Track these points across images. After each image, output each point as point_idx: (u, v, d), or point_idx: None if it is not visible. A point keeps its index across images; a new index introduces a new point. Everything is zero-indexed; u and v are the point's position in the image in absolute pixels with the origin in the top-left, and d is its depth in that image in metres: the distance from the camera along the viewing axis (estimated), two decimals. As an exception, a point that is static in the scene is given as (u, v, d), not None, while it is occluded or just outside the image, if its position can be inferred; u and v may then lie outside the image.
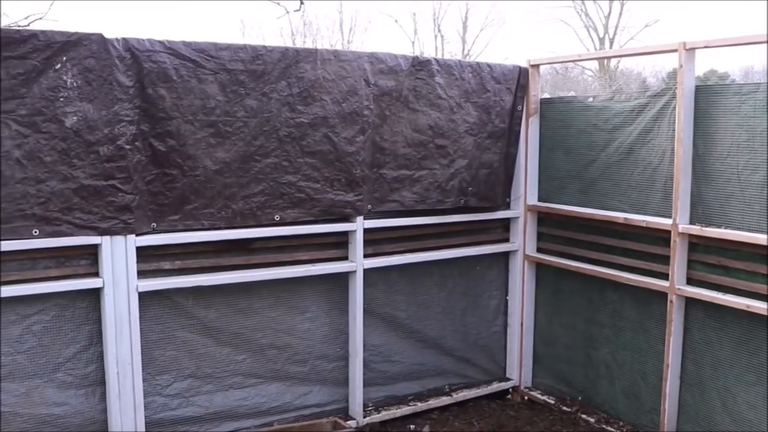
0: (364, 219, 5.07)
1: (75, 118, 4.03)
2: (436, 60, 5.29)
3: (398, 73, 5.08)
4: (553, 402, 5.78)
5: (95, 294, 4.34)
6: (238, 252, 4.77)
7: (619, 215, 5.13)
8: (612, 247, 5.28)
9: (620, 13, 36.15)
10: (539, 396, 5.91)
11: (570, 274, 5.62)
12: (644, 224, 4.94)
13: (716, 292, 4.58)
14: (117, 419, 4.42)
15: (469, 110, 5.41)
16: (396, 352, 5.57)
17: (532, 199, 5.82)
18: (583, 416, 5.50)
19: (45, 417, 4.32)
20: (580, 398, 5.68)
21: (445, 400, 5.71)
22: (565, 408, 5.66)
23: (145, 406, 4.53)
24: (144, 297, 4.45)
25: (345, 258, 5.14)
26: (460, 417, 5.64)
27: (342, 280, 5.19)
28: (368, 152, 5.00)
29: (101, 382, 4.44)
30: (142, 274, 4.40)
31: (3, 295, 4.06)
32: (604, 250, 5.34)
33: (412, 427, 5.43)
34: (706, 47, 4.57)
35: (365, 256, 5.14)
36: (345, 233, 5.09)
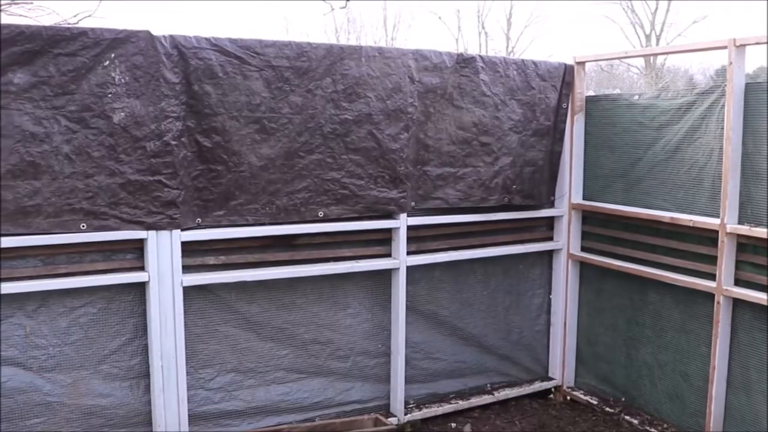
0: (408, 216, 5.06)
1: (123, 114, 4.08)
2: (481, 57, 5.26)
3: (443, 70, 5.06)
4: (595, 402, 5.72)
5: (141, 288, 4.39)
6: (282, 248, 4.80)
7: (665, 214, 5.05)
8: (657, 246, 5.21)
9: (667, 10, 35.68)
10: (582, 396, 5.86)
11: (613, 274, 5.56)
12: (691, 224, 4.86)
13: (765, 293, 4.49)
14: (161, 412, 4.47)
15: (514, 107, 5.38)
16: (438, 349, 5.56)
17: (577, 198, 5.76)
18: (626, 417, 5.43)
19: (91, 408, 4.38)
20: (623, 399, 5.61)
21: (486, 399, 5.69)
22: (607, 409, 5.60)
23: (188, 399, 4.57)
24: (188, 291, 4.49)
25: (388, 255, 5.13)
26: (501, 416, 5.61)
27: (385, 276, 5.19)
28: (412, 149, 4.99)
29: (145, 374, 4.50)
30: (186, 268, 4.44)
31: (52, 288, 4.13)
32: (649, 249, 5.27)
33: (453, 425, 5.42)
34: (757, 44, 4.48)
35: (408, 253, 5.14)
36: (388, 230, 5.09)
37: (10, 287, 4.01)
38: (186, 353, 4.52)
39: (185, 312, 4.48)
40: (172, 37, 4.20)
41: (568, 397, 5.98)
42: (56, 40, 3.90)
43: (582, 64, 5.67)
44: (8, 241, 3.94)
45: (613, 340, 5.65)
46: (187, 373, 4.56)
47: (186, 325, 4.50)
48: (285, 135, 4.56)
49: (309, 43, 4.61)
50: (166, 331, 4.41)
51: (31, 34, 3.84)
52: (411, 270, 5.20)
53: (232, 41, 4.37)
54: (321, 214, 4.76)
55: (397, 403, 5.28)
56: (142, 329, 4.45)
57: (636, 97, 5.42)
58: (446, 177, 5.18)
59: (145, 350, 4.47)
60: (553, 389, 6.06)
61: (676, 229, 5.04)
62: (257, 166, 4.51)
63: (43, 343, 4.22)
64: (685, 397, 5.11)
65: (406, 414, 5.30)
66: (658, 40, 34.62)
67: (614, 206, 5.46)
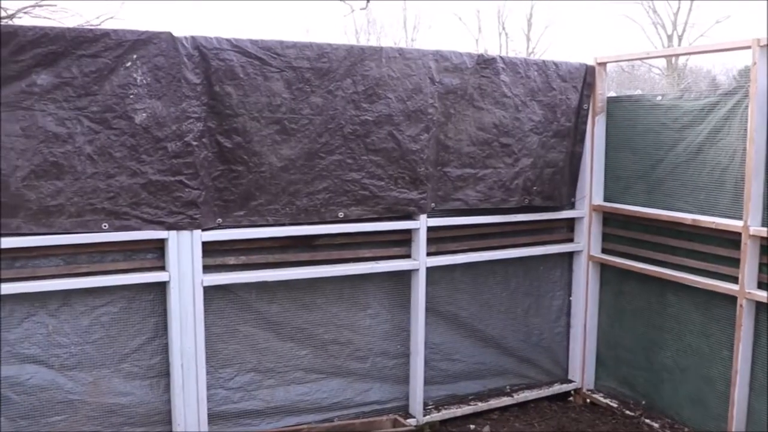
0: (428, 217, 5.06)
1: (144, 114, 4.11)
2: (502, 58, 5.25)
3: (463, 71, 5.05)
4: (615, 405, 5.68)
5: (161, 287, 4.41)
6: (302, 248, 4.81)
7: (686, 216, 5.02)
8: (678, 248, 5.17)
9: (689, 10, 35.45)
10: (602, 399, 5.83)
11: (633, 276, 5.52)
12: (713, 226, 4.82)
13: (789, 296, 4.45)
14: (180, 411, 4.49)
15: (535, 109, 5.36)
16: (457, 350, 5.55)
17: (598, 199, 5.73)
18: (647, 421, 5.39)
19: (111, 406, 4.42)
20: (643, 402, 5.58)
21: (505, 401, 5.67)
22: (628, 412, 5.56)
23: (207, 399, 4.59)
24: (208, 291, 4.51)
25: (408, 256, 5.13)
26: (520, 418, 5.59)
27: (404, 277, 5.19)
28: (432, 150, 4.98)
29: (165, 373, 4.52)
30: (207, 268, 4.47)
31: (74, 287, 4.17)
32: (670, 251, 5.23)
33: (472, 426, 5.41)
34: (781, 43, 4.44)
35: (428, 254, 5.13)
36: (408, 231, 5.09)
37: (33, 286, 4.06)
38: (206, 353, 4.54)
39: (205, 312, 4.50)
40: (193, 38, 4.23)
41: (588, 400, 5.95)
42: (79, 41, 3.93)
43: (603, 64, 5.64)
44: (31, 241, 3.97)
45: (634, 342, 5.62)
46: (207, 373, 4.58)
47: (206, 324, 4.52)
48: (305, 136, 4.57)
49: (329, 44, 4.62)
50: (186, 330, 4.43)
51: (54, 36, 3.87)
52: (431, 271, 5.19)
53: (253, 42, 4.38)
54: (341, 214, 4.77)
55: (416, 404, 5.28)
56: (162, 328, 4.47)
57: (658, 98, 5.39)
58: (466, 178, 5.17)
59: (165, 349, 4.49)
60: (572, 392, 6.03)
61: (697, 231, 5.00)
62: (278, 166, 4.52)
63: (65, 342, 4.25)
64: (706, 401, 5.07)
65: (424, 415, 5.30)
66: (680, 40, 34.40)
67: (635, 208, 5.42)
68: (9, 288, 4.00)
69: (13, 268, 4.05)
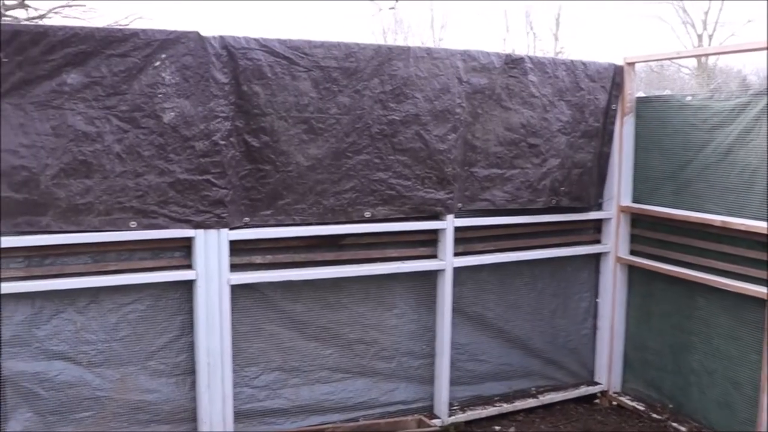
0: (455, 217, 5.04)
1: (172, 113, 4.13)
2: (530, 58, 5.22)
3: (491, 71, 5.03)
4: (642, 409, 5.63)
5: (188, 286, 4.43)
6: (328, 247, 4.81)
7: (715, 218, 4.96)
8: (707, 250, 5.11)
9: (720, 9, 35.10)
10: (628, 402, 5.78)
11: (661, 278, 5.47)
12: (742, 228, 4.76)
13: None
14: (206, 408, 4.51)
15: (563, 109, 5.32)
16: (483, 351, 5.53)
17: (626, 200, 5.68)
18: (674, 425, 5.34)
19: (138, 403, 4.44)
20: (671, 406, 5.52)
21: (531, 402, 5.64)
22: (655, 415, 5.51)
23: (233, 397, 4.61)
24: (235, 290, 4.52)
25: (434, 256, 5.12)
26: (546, 420, 5.56)
27: (431, 277, 5.17)
28: (460, 150, 4.97)
29: (191, 371, 4.54)
30: (234, 267, 4.48)
31: (102, 285, 4.20)
32: (699, 253, 5.17)
33: (498, 428, 5.38)
34: (815, 43, 4.38)
35: (455, 254, 5.11)
36: (435, 231, 5.07)
37: (62, 283, 4.09)
38: (231, 351, 4.55)
39: (231, 310, 4.51)
40: (221, 37, 4.24)
41: (615, 403, 5.90)
42: (108, 41, 3.95)
43: (632, 64, 5.59)
44: (61, 238, 4.01)
45: (661, 345, 5.57)
46: (233, 371, 4.59)
47: (232, 323, 4.53)
48: (333, 135, 4.57)
49: (357, 44, 4.61)
50: (212, 328, 4.45)
51: (84, 36, 3.90)
52: (457, 271, 5.18)
53: (281, 42, 4.39)
54: (368, 214, 4.76)
55: (441, 404, 5.26)
56: (188, 327, 4.49)
57: (688, 98, 5.33)
58: (493, 178, 5.15)
59: (191, 347, 4.51)
60: (599, 394, 5.98)
61: (726, 233, 4.94)
62: (305, 166, 4.52)
63: (93, 339, 4.29)
64: (734, 405, 5.01)
65: (450, 416, 5.28)
66: (710, 39, 34.07)
67: (663, 209, 5.37)
68: (38, 285, 4.04)
69: (42, 266, 4.09)
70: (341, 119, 4.57)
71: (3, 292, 4.00)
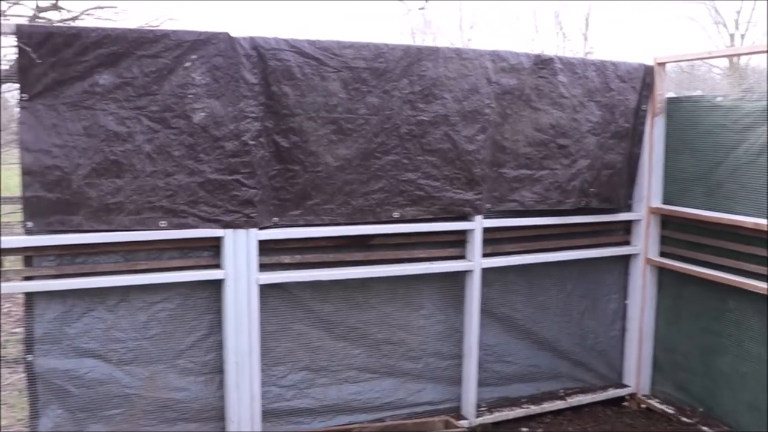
0: (483, 218, 5.03)
1: (203, 114, 4.15)
2: (559, 58, 5.19)
3: (520, 72, 5.01)
4: (672, 412, 5.58)
5: (217, 285, 4.45)
6: (356, 248, 4.81)
7: (747, 220, 4.90)
8: (738, 252, 5.05)
9: (752, 8, 34.63)
10: (657, 405, 5.73)
11: (692, 280, 5.41)
12: (775, 230, 4.72)
13: None
14: (234, 407, 4.53)
15: (592, 109, 5.29)
16: (511, 352, 5.51)
17: (656, 202, 5.64)
18: (704, 428, 5.28)
19: (166, 401, 4.47)
20: (701, 409, 5.47)
21: (559, 404, 5.61)
22: (684, 419, 5.45)
23: (261, 396, 4.62)
24: (263, 289, 4.54)
25: (463, 257, 5.11)
26: (574, 422, 5.53)
27: (459, 278, 5.16)
28: (488, 151, 4.95)
29: (220, 370, 4.56)
30: (262, 267, 4.49)
31: (132, 283, 4.23)
32: (730, 255, 5.12)
33: (525, 429, 5.36)
34: None
35: (483, 255, 5.10)
36: (463, 232, 5.06)
37: (93, 282, 4.13)
38: (260, 350, 4.57)
39: (260, 310, 4.53)
40: (251, 38, 4.26)
41: (643, 405, 5.85)
42: (140, 42, 3.99)
43: (663, 64, 5.55)
44: (92, 237, 4.05)
45: (691, 347, 5.52)
46: (261, 370, 4.61)
47: (260, 322, 4.55)
48: (361, 136, 4.57)
49: (386, 45, 4.61)
50: (240, 328, 4.47)
51: (116, 37, 3.94)
52: (485, 272, 5.16)
53: (311, 42, 4.40)
54: (396, 214, 4.76)
55: (469, 405, 5.25)
56: (217, 326, 4.52)
57: (719, 98, 5.28)
58: (522, 179, 5.13)
59: (219, 346, 4.54)
60: (627, 396, 5.94)
61: (758, 235, 4.88)
62: (334, 166, 4.53)
63: (123, 337, 4.32)
64: (766, 408, 4.96)
65: (477, 417, 5.27)
66: (742, 39, 33.64)
67: (694, 210, 5.32)
68: (70, 283, 4.09)
69: (74, 264, 4.13)
70: (370, 120, 4.58)
71: (36, 290, 4.06)
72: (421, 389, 5.23)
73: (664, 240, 5.70)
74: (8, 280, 4.09)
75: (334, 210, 4.60)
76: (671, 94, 5.66)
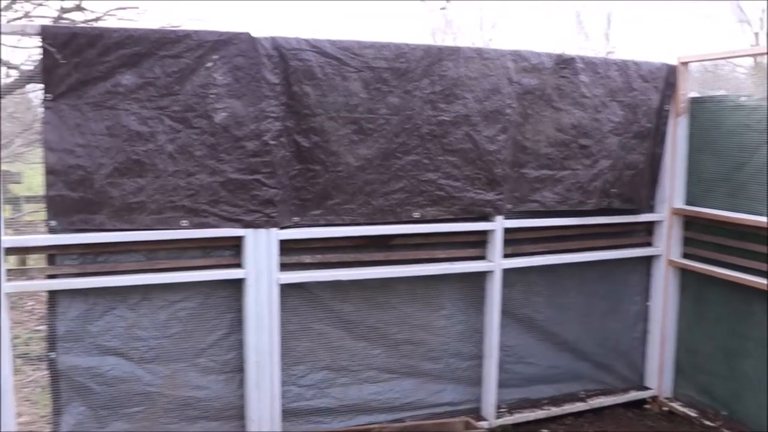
0: (504, 218, 5.02)
1: (224, 114, 4.17)
2: (581, 58, 5.16)
3: (542, 71, 4.99)
4: (694, 415, 5.54)
5: (238, 284, 4.47)
6: (377, 248, 4.82)
7: (771, 221, 4.86)
8: (762, 254, 5.00)
9: (778, 6, 34.28)
10: (680, 408, 5.68)
11: (714, 281, 5.37)
12: (800, 232, 4.67)
13: None
14: (254, 406, 4.55)
15: (614, 109, 5.26)
16: (531, 354, 5.49)
17: (678, 202, 5.60)
18: (727, 432, 5.26)
19: (187, 399, 4.49)
20: (724, 413, 5.42)
21: (580, 406, 5.58)
22: (707, 422, 5.41)
23: (281, 395, 4.64)
24: (284, 289, 4.55)
25: (483, 257, 5.09)
26: (595, 424, 5.50)
27: (479, 279, 5.15)
28: (509, 151, 4.94)
29: (240, 369, 4.58)
30: (283, 266, 4.50)
31: (154, 282, 4.26)
32: (754, 257, 5.06)
33: (545, 431, 5.34)
34: None
35: (504, 255, 5.08)
36: (484, 232, 5.04)
37: (115, 280, 4.16)
38: (280, 350, 4.58)
39: (280, 309, 4.54)
40: (272, 38, 4.27)
41: (665, 408, 5.80)
42: (162, 42, 4.02)
43: (686, 64, 5.50)
44: (114, 236, 4.08)
45: (714, 350, 5.47)
46: (281, 370, 4.62)
47: (281, 322, 4.56)
48: (382, 136, 4.57)
49: (407, 44, 4.61)
50: (261, 327, 4.48)
51: (138, 37, 3.97)
52: (506, 273, 5.15)
53: (332, 42, 4.41)
54: (417, 214, 4.76)
55: (489, 406, 5.24)
56: (237, 325, 4.53)
57: (743, 98, 5.23)
58: (544, 179, 5.11)
59: (240, 345, 4.55)
60: (649, 399, 5.90)
61: (783, 237, 4.85)
62: (354, 166, 4.54)
63: (144, 335, 4.35)
64: (791, 413, 4.92)
65: (497, 418, 5.25)
66: None
67: (717, 212, 5.27)
68: (92, 282, 4.12)
69: (96, 263, 4.17)
70: (391, 120, 4.58)
71: (58, 288, 4.10)
72: (441, 390, 5.22)
73: (686, 241, 5.66)
74: (32, 278, 4.14)
75: (354, 210, 4.60)
76: (694, 94, 5.61)
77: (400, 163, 4.64)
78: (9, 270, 3.99)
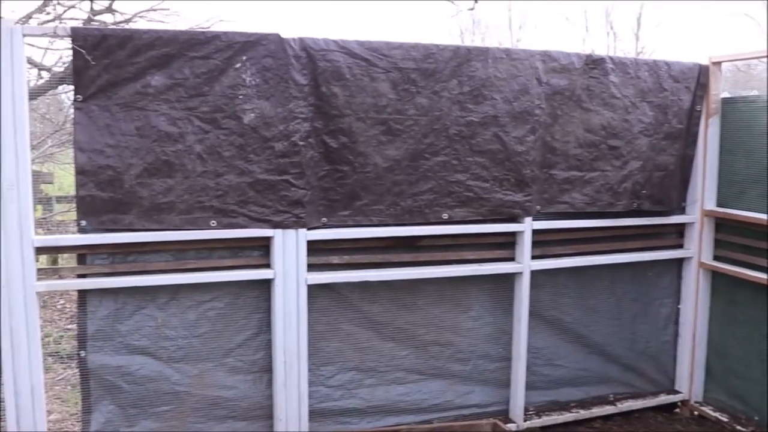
0: (533, 220, 4.99)
1: (253, 114, 4.19)
2: (611, 58, 5.12)
3: (571, 72, 4.96)
4: (726, 420, 5.47)
5: (266, 284, 4.48)
6: (405, 249, 4.81)
7: (805, 224, 4.79)
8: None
9: (813, 4, 33.82)
10: (710, 412, 5.61)
11: (747, 285, 5.29)
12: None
13: None
14: (282, 406, 4.55)
15: (645, 110, 5.21)
16: (560, 356, 5.45)
17: (710, 204, 5.53)
18: (759, 437, 5.18)
19: (215, 399, 4.52)
20: (756, 418, 5.34)
21: (608, 409, 5.53)
22: (739, 427, 5.34)
23: (308, 396, 4.64)
24: (312, 289, 4.55)
25: (511, 259, 5.07)
26: (623, 428, 5.45)
27: (508, 280, 5.13)
28: (538, 152, 4.91)
29: (268, 369, 4.59)
30: (311, 267, 4.51)
31: (183, 282, 4.29)
32: (788, 260, 5.01)
33: (574, 434, 5.32)
34: None
35: (533, 257, 5.06)
36: (512, 234, 5.02)
37: (144, 280, 4.19)
38: (308, 350, 4.59)
39: (308, 309, 4.54)
40: (301, 39, 4.28)
41: (696, 413, 5.74)
42: (191, 43, 4.04)
43: (718, 64, 5.44)
44: (143, 236, 4.11)
45: (746, 354, 5.40)
46: (309, 370, 4.62)
47: (309, 322, 4.56)
48: (410, 136, 4.57)
49: (436, 45, 4.60)
50: (289, 327, 4.49)
51: (168, 39, 4.00)
52: (535, 274, 5.12)
53: (360, 43, 4.41)
54: (445, 215, 4.75)
55: (517, 408, 5.21)
56: (266, 325, 4.55)
57: (776, 99, 5.17)
58: (573, 181, 5.08)
59: (268, 345, 4.56)
60: (679, 403, 5.84)
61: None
62: (383, 167, 4.53)
63: (173, 335, 4.37)
64: (824, 417, 4.84)
65: (525, 420, 5.22)
66: (802, 36, 32.92)
67: (750, 214, 5.20)
68: (122, 281, 4.15)
69: (126, 263, 4.20)
70: (419, 120, 4.57)
71: (89, 287, 4.13)
72: (469, 392, 5.20)
73: (717, 243, 5.59)
74: (62, 277, 4.18)
75: (382, 211, 4.60)
76: (726, 95, 5.55)
77: (428, 164, 4.63)
78: (40, 269, 4.04)
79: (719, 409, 5.61)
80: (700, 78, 5.38)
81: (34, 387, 4.03)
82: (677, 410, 5.84)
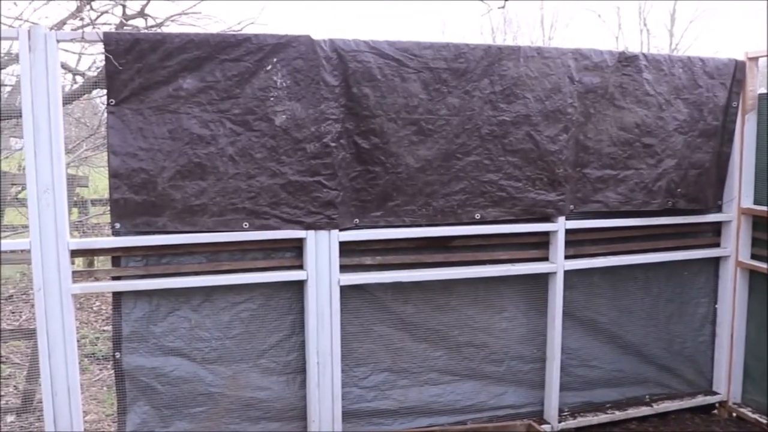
0: (566, 219, 4.95)
1: (284, 116, 4.20)
2: (644, 55, 5.07)
3: (603, 70, 4.91)
4: (765, 422, 5.36)
5: (299, 286, 4.49)
6: (437, 249, 4.79)
7: None
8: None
9: None
10: (749, 414, 5.52)
11: (785, 284, 5.22)
12: None
13: None
14: (315, 407, 4.56)
15: (679, 107, 5.15)
16: (594, 357, 5.40)
17: (747, 202, 5.45)
18: (800, 439, 5.09)
19: (249, 400, 4.53)
20: (796, 419, 5.27)
21: (644, 411, 5.47)
22: (779, 428, 5.27)
23: (341, 397, 4.64)
24: (345, 290, 4.55)
25: (545, 258, 5.03)
26: (659, 429, 5.39)
27: (541, 280, 5.09)
28: (571, 151, 4.87)
29: (301, 370, 4.60)
30: (344, 268, 4.51)
31: (216, 284, 4.30)
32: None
33: (609, 435, 5.26)
34: None
35: (566, 257, 5.01)
36: (546, 233, 4.99)
37: (178, 282, 4.22)
38: (341, 351, 4.59)
39: (341, 310, 4.54)
40: (331, 41, 4.28)
41: (734, 414, 5.65)
42: (222, 46, 4.06)
43: (755, 59, 5.36)
44: (176, 238, 4.13)
45: (785, 354, 5.32)
46: (342, 371, 4.62)
47: (341, 323, 4.56)
48: (442, 136, 4.55)
49: (467, 44, 4.58)
50: (322, 328, 4.49)
51: (199, 42, 4.02)
52: (568, 274, 5.08)
53: (390, 44, 4.40)
54: (478, 216, 4.72)
55: (551, 409, 5.17)
56: (299, 326, 4.55)
57: (815, 95, 5.08)
58: (606, 180, 5.03)
59: (301, 347, 4.57)
60: (717, 404, 5.76)
61: None
62: (414, 167, 4.52)
63: (207, 336, 4.40)
64: None
65: (560, 422, 5.18)
66: (840, 31, 32.40)
67: (788, 212, 5.12)
68: (156, 283, 4.18)
69: (159, 265, 4.23)
70: (451, 120, 4.55)
71: (123, 289, 4.17)
72: (502, 393, 5.17)
73: (755, 242, 5.50)
74: (97, 279, 4.22)
75: (415, 211, 4.58)
76: (763, 90, 5.46)
77: (460, 164, 4.62)
78: (76, 272, 4.07)
79: (759, 410, 5.52)
80: (736, 74, 5.31)
81: (71, 388, 4.07)
82: (715, 411, 5.76)
